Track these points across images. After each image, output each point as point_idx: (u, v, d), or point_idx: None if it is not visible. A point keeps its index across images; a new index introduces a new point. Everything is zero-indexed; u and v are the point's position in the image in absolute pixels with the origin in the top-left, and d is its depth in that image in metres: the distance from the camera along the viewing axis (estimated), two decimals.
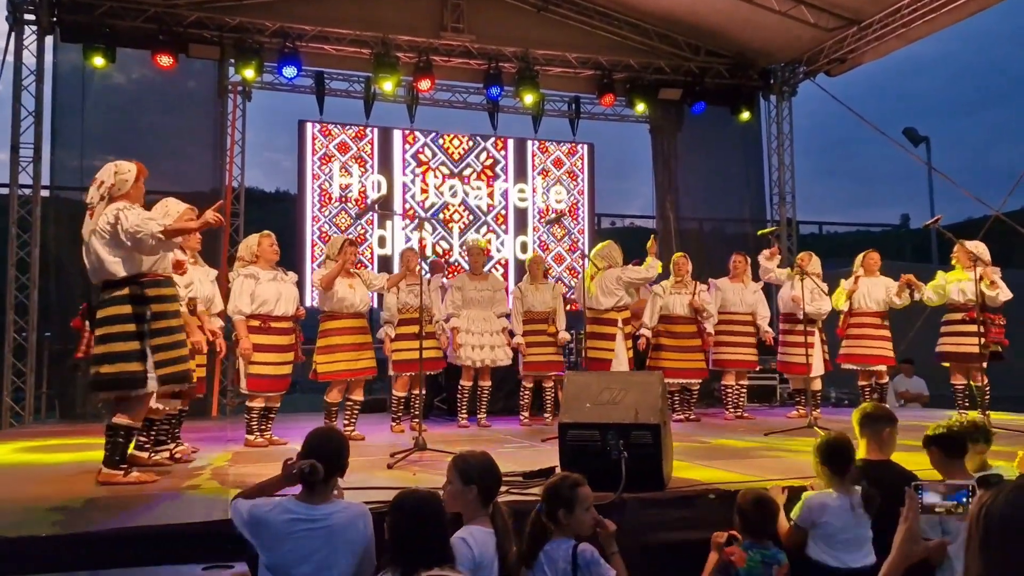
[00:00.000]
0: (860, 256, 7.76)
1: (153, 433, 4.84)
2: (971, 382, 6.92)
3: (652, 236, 7.78)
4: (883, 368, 7.56)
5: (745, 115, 11.25)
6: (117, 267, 4.00)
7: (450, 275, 9.22)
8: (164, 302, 4.16)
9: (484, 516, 2.71)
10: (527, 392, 7.32)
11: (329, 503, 2.68)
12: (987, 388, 6.87)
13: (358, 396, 6.34)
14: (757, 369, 8.18)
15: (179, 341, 4.23)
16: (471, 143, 10.90)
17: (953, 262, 7.19)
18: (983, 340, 6.63)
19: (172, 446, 5.17)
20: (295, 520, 2.58)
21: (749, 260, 7.85)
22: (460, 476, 2.73)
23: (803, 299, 6.76)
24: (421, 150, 10.67)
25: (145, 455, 4.73)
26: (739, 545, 3.06)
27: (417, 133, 10.71)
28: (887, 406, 3.60)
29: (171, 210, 4.63)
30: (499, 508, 2.76)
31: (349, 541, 2.59)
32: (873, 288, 7.49)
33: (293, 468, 2.67)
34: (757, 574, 3.05)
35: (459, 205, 10.77)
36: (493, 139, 11.03)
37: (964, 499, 2.22)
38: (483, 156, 10.93)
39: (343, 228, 10.18)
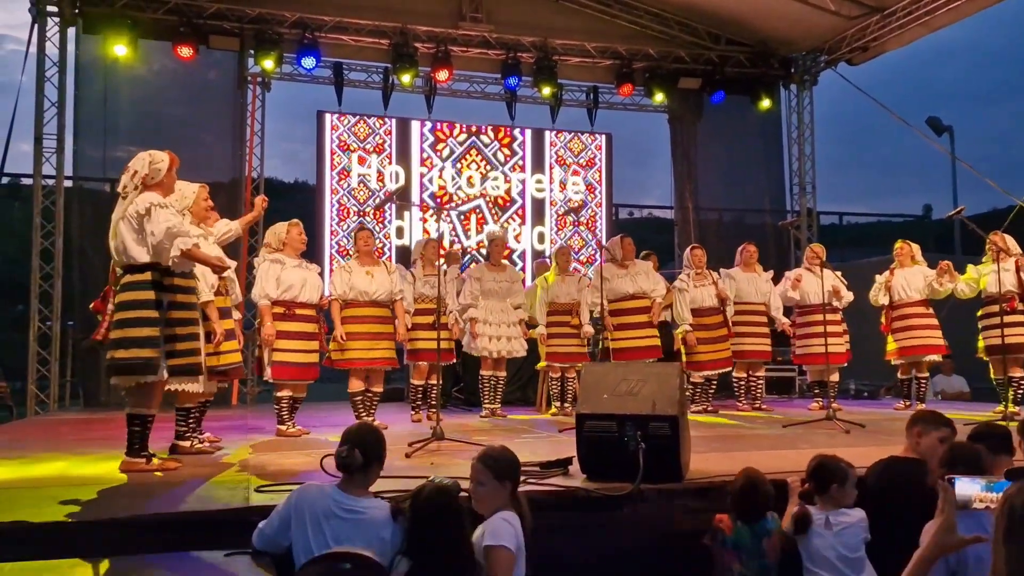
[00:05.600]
0: (897, 245, 7.66)
1: (191, 421, 4.89)
2: (1009, 374, 6.70)
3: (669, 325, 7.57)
4: (928, 359, 7.35)
5: (765, 104, 11.16)
6: (141, 254, 4.01)
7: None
8: (183, 292, 4.16)
9: (509, 506, 2.75)
10: (555, 382, 7.28)
11: (366, 498, 2.72)
12: (1023, 381, 6.79)
13: (377, 388, 6.23)
14: (772, 360, 8.12)
15: (193, 333, 4.22)
16: (489, 133, 10.89)
17: (988, 255, 7.01)
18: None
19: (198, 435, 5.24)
20: (335, 503, 2.65)
21: (756, 250, 7.77)
22: (494, 474, 2.75)
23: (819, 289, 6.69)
24: (439, 140, 10.68)
25: (187, 443, 4.80)
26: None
27: (435, 123, 10.71)
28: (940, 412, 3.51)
29: (186, 193, 4.63)
30: (519, 496, 2.80)
31: (380, 539, 2.60)
32: (912, 277, 7.35)
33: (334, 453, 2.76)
34: (745, 544, 3.09)
35: (477, 195, 10.77)
36: (511, 129, 11.01)
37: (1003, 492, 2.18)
38: (501, 146, 10.91)
39: (362, 218, 10.22)
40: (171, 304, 4.06)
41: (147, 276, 4.02)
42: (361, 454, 2.71)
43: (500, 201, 10.83)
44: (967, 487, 2.19)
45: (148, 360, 3.95)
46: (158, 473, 4.02)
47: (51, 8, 8.97)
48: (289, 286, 5.66)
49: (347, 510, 2.64)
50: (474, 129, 10.85)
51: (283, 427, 5.74)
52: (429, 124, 10.68)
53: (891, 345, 7.50)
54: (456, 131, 10.76)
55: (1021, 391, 6.83)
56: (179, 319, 4.10)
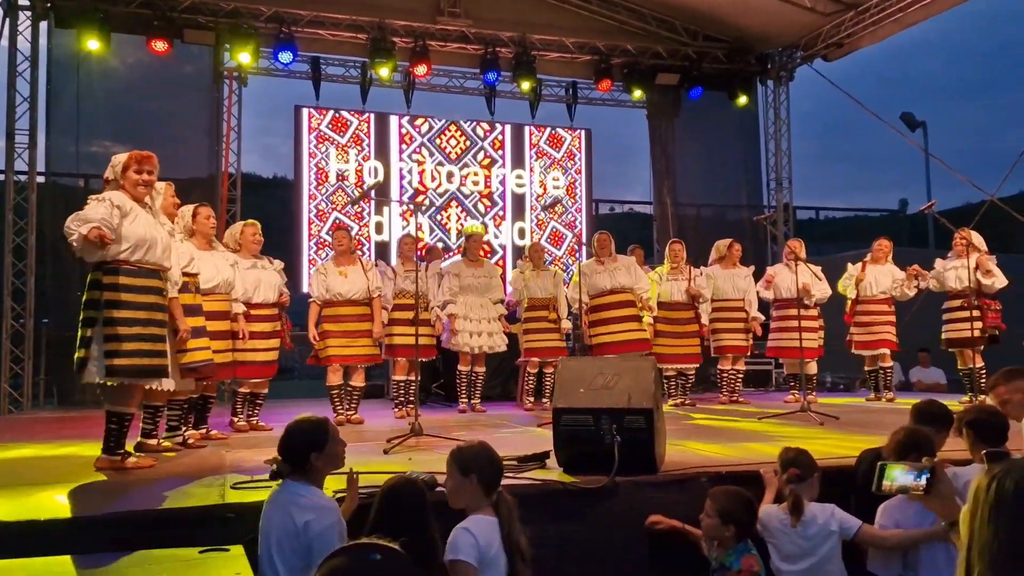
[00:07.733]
0: (877, 243, 7.82)
1: (159, 419, 4.86)
2: (969, 365, 7.01)
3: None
4: (887, 352, 7.58)
5: (742, 100, 11.23)
6: (87, 254, 3.97)
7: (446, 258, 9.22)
8: (126, 291, 4.01)
9: (487, 506, 2.71)
10: (531, 377, 7.36)
11: (303, 486, 2.70)
12: (983, 372, 6.93)
13: (357, 382, 6.48)
14: (751, 354, 8.22)
15: (146, 334, 4.06)
16: (468, 128, 10.88)
17: (954, 249, 7.23)
18: (982, 325, 6.71)
19: (195, 431, 5.31)
20: (281, 489, 2.72)
21: (738, 246, 7.88)
22: (459, 468, 2.73)
23: (795, 284, 6.77)
24: (417, 135, 10.65)
25: (154, 441, 4.76)
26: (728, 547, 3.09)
27: (414, 118, 10.68)
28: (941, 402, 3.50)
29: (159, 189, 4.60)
30: (503, 497, 2.74)
31: (295, 528, 2.58)
32: (880, 276, 7.57)
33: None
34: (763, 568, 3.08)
35: (456, 190, 10.76)
36: (490, 124, 11.01)
37: (923, 479, 2.29)
38: (480, 141, 10.91)
39: (340, 214, 10.18)
40: (111, 303, 3.96)
41: (96, 275, 4.01)
42: (287, 461, 2.72)
43: (480, 196, 10.82)
44: (902, 477, 2.31)
45: (81, 360, 3.96)
46: (133, 470, 4.00)
47: (23, 2, 8.83)
48: (243, 289, 5.76)
49: (280, 491, 2.70)
50: (453, 124, 10.83)
51: (235, 419, 5.99)
52: (408, 119, 10.65)
53: (851, 336, 7.73)
54: (435, 126, 10.73)
55: (982, 380, 6.98)
56: (123, 319, 3.97)
